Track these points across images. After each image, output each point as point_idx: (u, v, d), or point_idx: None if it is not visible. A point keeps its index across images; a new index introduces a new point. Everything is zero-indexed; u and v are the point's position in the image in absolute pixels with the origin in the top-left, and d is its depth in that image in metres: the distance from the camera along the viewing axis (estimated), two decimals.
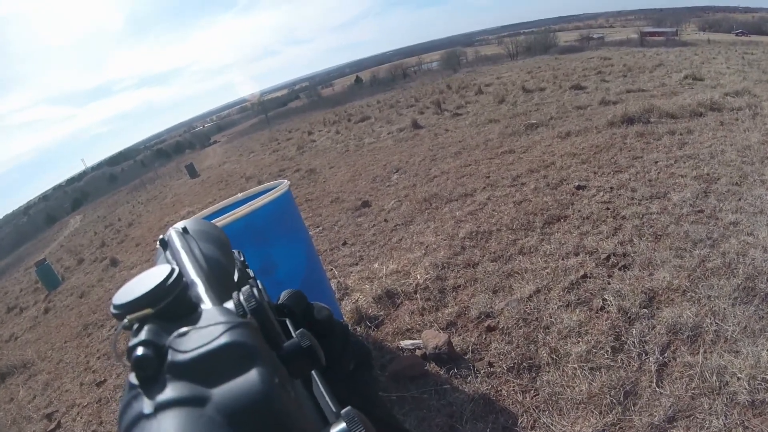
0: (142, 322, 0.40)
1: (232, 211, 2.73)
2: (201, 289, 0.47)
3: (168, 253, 0.59)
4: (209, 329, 0.38)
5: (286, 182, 3.19)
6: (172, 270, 0.45)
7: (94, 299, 9.49)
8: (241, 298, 0.44)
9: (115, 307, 0.43)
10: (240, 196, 3.54)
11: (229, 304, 0.44)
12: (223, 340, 0.37)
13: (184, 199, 19.09)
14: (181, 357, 0.36)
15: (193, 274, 0.51)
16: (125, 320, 0.41)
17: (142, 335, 0.38)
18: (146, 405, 0.34)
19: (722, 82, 11.65)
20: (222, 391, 0.34)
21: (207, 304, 0.44)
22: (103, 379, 5.09)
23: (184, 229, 0.64)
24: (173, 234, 0.62)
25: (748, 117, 7.08)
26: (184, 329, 0.39)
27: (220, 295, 0.47)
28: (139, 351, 0.36)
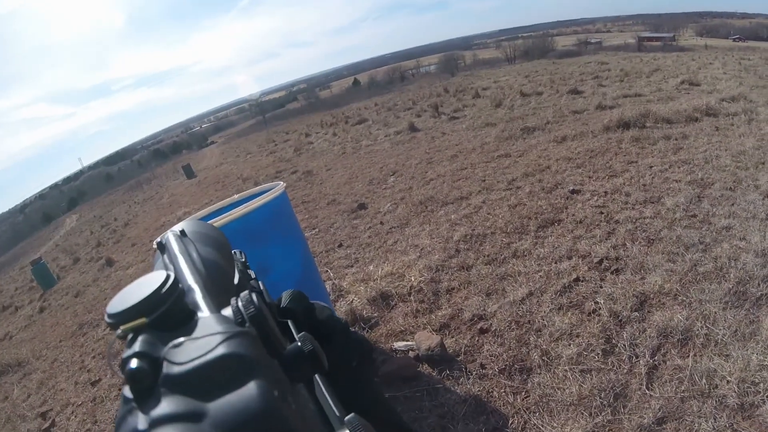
0: (137, 332, 0.39)
1: (228, 213, 2.74)
2: (198, 295, 0.46)
3: (165, 256, 0.57)
4: (205, 339, 0.37)
5: (281, 184, 3.20)
6: (168, 276, 0.44)
7: (89, 299, 9.49)
8: (240, 304, 0.43)
9: (110, 316, 0.41)
10: (236, 197, 3.55)
11: (227, 311, 0.43)
12: (219, 351, 0.36)
13: (181, 200, 19.09)
14: (176, 369, 0.35)
15: (190, 279, 0.49)
16: (119, 330, 0.40)
17: (137, 347, 0.37)
18: (141, 421, 0.33)
19: (719, 87, 11.70)
20: (218, 406, 0.33)
21: (204, 312, 0.43)
22: (97, 378, 5.08)
23: (182, 232, 0.62)
24: (171, 237, 0.60)
25: (744, 122, 7.13)
26: (179, 340, 0.38)
27: (218, 301, 0.45)
28: (133, 363, 0.35)
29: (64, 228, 38.82)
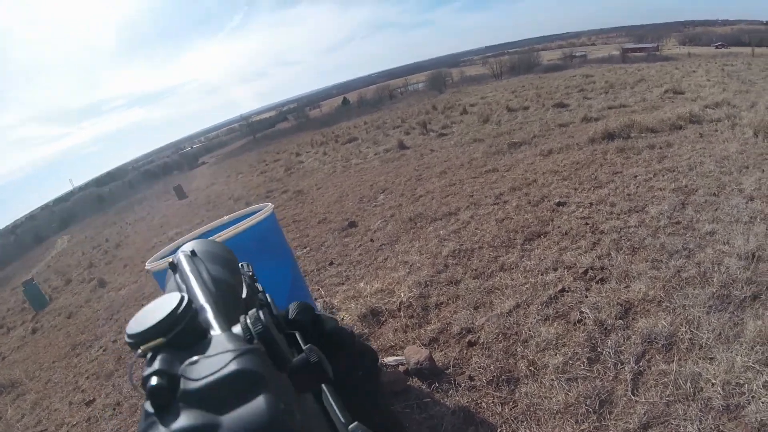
0: (155, 351, 0.43)
1: (216, 235, 2.77)
2: (210, 314, 0.50)
3: (177, 276, 0.61)
4: (218, 357, 0.41)
5: (270, 205, 3.23)
6: (182, 298, 0.48)
7: (82, 320, 9.44)
8: (248, 322, 0.47)
9: (129, 336, 0.45)
10: (226, 218, 3.58)
11: (237, 329, 0.47)
12: (231, 367, 0.40)
13: (172, 221, 18.97)
14: (192, 385, 0.39)
15: (202, 299, 0.53)
16: (139, 350, 0.44)
17: (156, 365, 0.41)
18: None
19: (702, 94, 11.89)
20: (231, 418, 0.36)
21: (216, 330, 0.47)
22: (92, 398, 5.06)
23: (193, 252, 0.66)
24: (182, 257, 0.64)
25: (727, 128, 7.25)
26: (194, 358, 0.41)
27: (229, 318, 0.50)
28: (153, 381, 0.39)
29: (55, 249, 38.40)
